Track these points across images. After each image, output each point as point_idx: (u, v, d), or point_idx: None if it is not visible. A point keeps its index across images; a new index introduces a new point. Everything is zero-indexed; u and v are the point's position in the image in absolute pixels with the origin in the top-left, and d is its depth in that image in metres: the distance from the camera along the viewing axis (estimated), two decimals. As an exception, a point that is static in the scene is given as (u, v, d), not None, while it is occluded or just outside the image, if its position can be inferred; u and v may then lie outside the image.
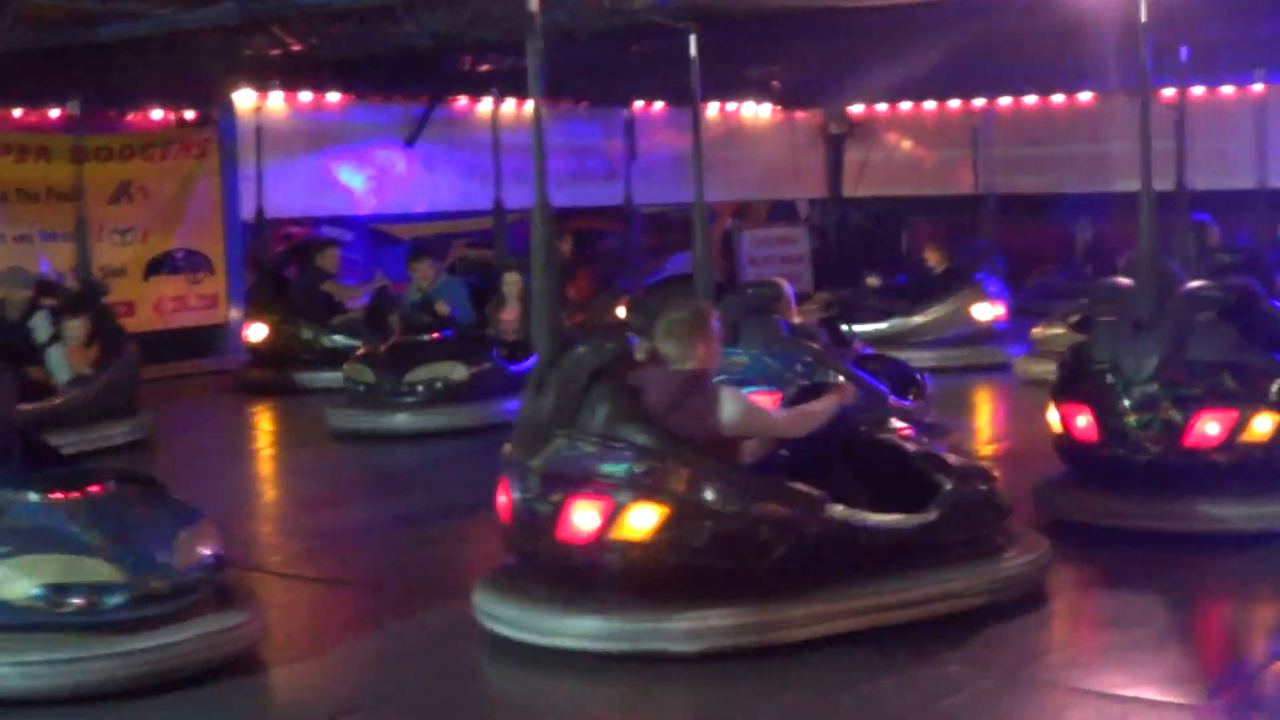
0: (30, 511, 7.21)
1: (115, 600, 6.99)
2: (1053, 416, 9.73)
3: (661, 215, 23.70)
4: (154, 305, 18.62)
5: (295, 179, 19.60)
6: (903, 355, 13.92)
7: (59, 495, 7.31)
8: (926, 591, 7.65)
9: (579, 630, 7.30)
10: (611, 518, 7.28)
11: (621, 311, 17.59)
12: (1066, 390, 9.70)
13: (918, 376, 12.28)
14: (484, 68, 17.84)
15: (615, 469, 7.35)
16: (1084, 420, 9.41)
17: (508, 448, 7.82)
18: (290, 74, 18.05)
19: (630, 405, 7.52)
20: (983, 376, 16.37)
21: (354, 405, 14.32)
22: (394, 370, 14.17)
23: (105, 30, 13.42)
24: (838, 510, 7.48)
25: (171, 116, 18.96)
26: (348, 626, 8.16)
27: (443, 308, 15.36)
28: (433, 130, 20.59)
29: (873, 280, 18.28)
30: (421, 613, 8.28)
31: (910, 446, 8.09)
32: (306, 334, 17.13)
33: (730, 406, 7.56)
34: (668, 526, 7.25)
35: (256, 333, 17.30)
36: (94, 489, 7.43)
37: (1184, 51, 12.85)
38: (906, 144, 25.19)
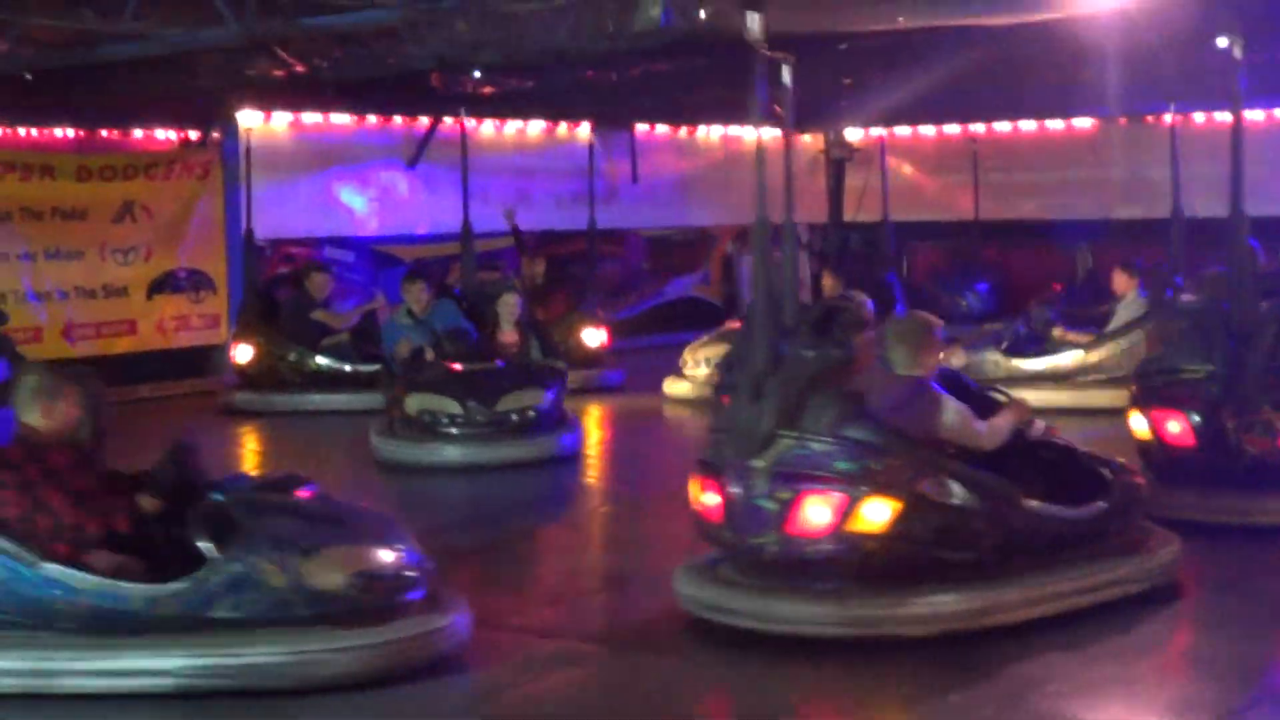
0: (295, 509, 7.78)
1: (410, 588, 7.56)
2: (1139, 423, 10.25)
3: (663, 238, 23.78)
4: (156, 324, 18.67)
5: (297, 199, 19.66)
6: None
7: (304, 495, 7.96)
8: (1100, 579, 8.30)
9: (814, 617, 7.80)
10: (846, 512, 7.80)
11: (589, 333, 17.94)
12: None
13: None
14: (486, 89, 17.90)
15: (849, 466, 7.85)
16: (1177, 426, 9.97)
17: (713, 450, 8.28)
18: (293, 95, 18.11)
19: (857, 407, 8.06)
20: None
21: (427, 437, 13.50)
22: (482, 399, 13.53)
23: (109, 51, 13.49)
24: (1032, 503, 8.17)
25: (175, 136, 19.04)
26: (533, 633, 8.41)
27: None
28: (434, 151, 20.64)
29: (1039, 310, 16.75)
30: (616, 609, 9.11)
31: (1073, 443, 8.88)
32: (291, 356, 17.05)
33: (951, 414, 8.28)
34: (900, 519, 7.81)
35: (242, 354, 17.26)
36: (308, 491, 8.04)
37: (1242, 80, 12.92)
38: (907, 169, 25.23)
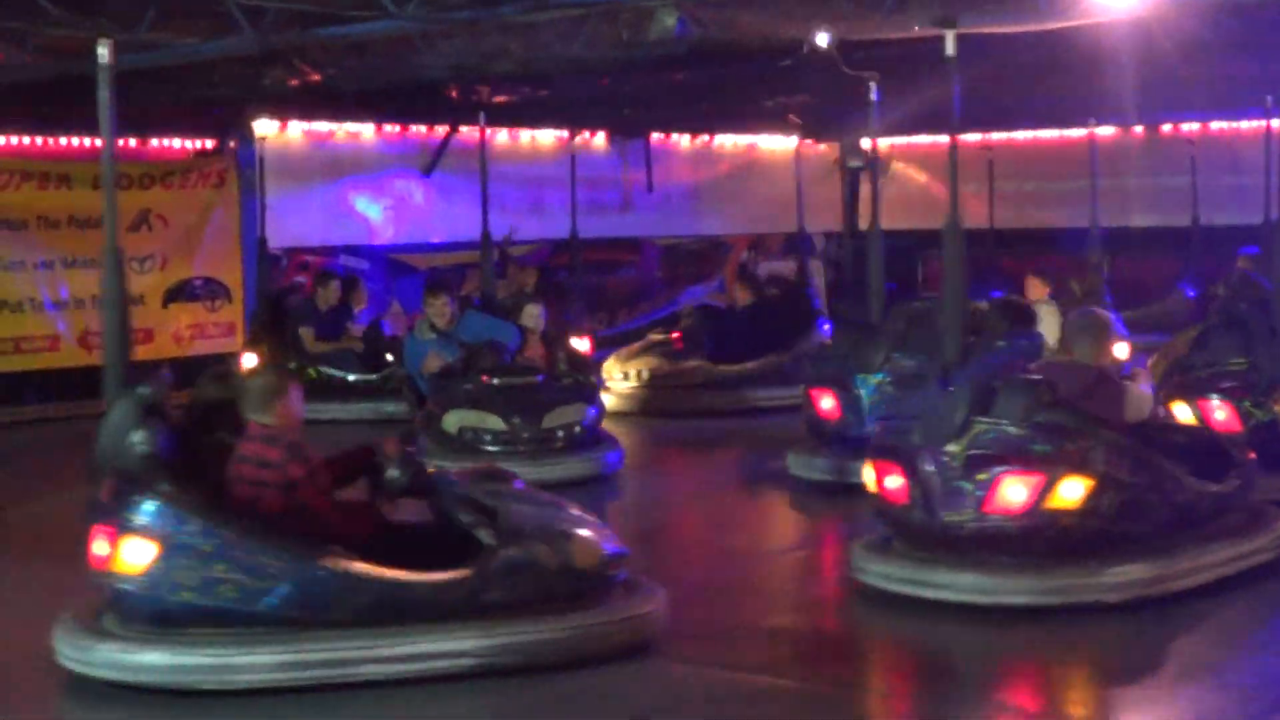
0: (527, 498, 8.25)
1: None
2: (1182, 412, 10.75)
3: (677, 247, 23.78)
4: (172, 333, 18.69)
5: (312, 208, 19.69)
6: None
7: (519, 486, 8.41)
8: (1243, 549, 9.07)
9: (1019, 588, 8.50)
10: (1044, 491, 8.50)
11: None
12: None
13: None
14: (501, 98, 17.92)
15: (1046, 448, 8.56)
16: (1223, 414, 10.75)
17: (897, 437, 9.07)
18: (308, 104, 18.14)
19: (1049, 395, 8.73)
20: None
21: (466, 455, 12.47)
22: (527, 415, 13.04)
23: (125, 60, 13.49)
24: (1191, 480, 8.95)
25: (191, 145, 19.07)
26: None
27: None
28: (450, 160, 20.66)
29: None
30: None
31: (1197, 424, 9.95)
32: (290, 365, 16.98)
33: (1136, 401, 9.07)
34: (1091, 496, 8.53)
35: (248, 362, 17.26)
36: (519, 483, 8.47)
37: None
38: (921, 177, 25.22)
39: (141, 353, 18.15)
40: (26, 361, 17.50)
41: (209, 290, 19.07)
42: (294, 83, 15.30)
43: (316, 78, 15.08)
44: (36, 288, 17.55)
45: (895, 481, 8.91)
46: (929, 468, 8.72)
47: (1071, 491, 8.52)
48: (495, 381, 13.15)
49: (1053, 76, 16.85)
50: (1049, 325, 14.53)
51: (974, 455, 8.64)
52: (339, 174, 20.07)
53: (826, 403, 12.71)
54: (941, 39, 12.48)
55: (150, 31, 12.37)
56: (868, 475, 9.19)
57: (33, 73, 14.03)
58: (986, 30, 12.93)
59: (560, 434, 12.97)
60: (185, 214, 18.77)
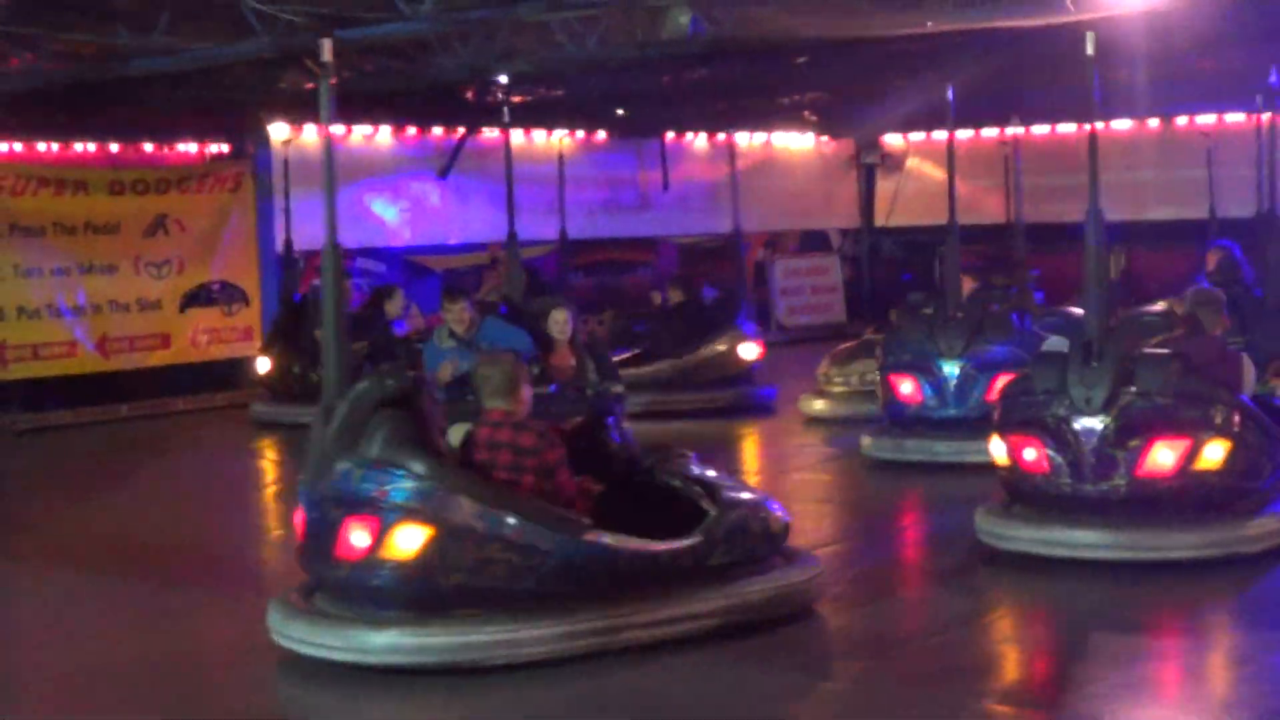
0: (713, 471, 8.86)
1: None
2: (997, 447, 9.98)
3: (694, 246, 23.77)
4: (189, 338, 18.70)
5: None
6: None
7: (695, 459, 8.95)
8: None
9: (1184, 543, 9.19)
10: (1190, 455, 9.24)
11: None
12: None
13: None
14: (517, 99, 17.93)
15: (1194, 414, 9.30)
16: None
17: (1035, 410, 9.61)
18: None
19: (1183, 366, 9.44)
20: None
21: None
22: None
23: (139, 65, 13.53)
24: None
25: (206, 150, 19.10)
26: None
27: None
28: (465, 162, 20.67)
29: None
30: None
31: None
32: (296, 369, 16.92)
33: (1250, 371, 9.85)
34: (1229, 456, 9.31)
35: (261, 366, 17.27)
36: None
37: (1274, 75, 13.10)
38: (939, 173, 25.18)
39: (158, 358, 18.22)
40: (45, 368, 17.52)
41: (226, 294, 19.07)
42: (309, 85, 15.32)
43: (332, 80, 15.07)
44: (53, 293, 17.58)
45: (1033, 453, 9.53)
46: (1077, 438, 9.40)
47: (1214, 453, 9.28)
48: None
49: (1070, 70, 16.81)
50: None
51: (1124, 424, 9.30)
52: (355, 177, 20.05)
53: (906, 387, 13.26)
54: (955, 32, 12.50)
55: (165, 36, 12.39)
56: (999, 449, 9.81)
57: (46, 79, 14.06)
58: (1004, 24, 12.94)
59: None
60: (202, 218, 18.77)
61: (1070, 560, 9.24)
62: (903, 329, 13.79)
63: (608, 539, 7.80)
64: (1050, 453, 9.44)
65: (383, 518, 7.59)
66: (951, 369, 13.13)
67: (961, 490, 11.07)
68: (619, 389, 12.79)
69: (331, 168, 8.66)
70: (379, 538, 7.58)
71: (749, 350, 16.78)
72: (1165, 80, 16.38)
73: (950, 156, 14.62)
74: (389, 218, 20.51)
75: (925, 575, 9.98)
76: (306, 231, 18.68)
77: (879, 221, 25.98)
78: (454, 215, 20.97)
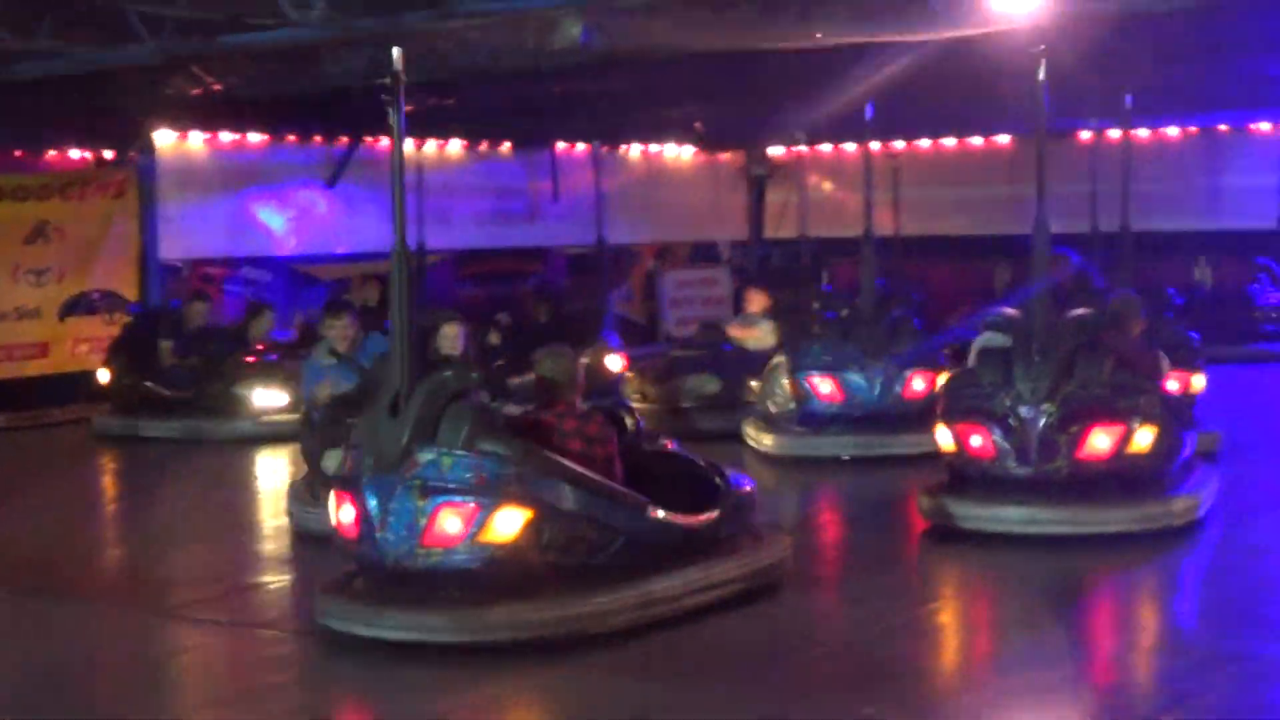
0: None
1: None
2: (944, 435, 10.85)
3: (584, 256, 23.74)
4: (69, 347, 18.43)
5: (215, 219, 19.52)
6: None
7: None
8: None
9: (1112, 519, 10.24)
10: (1125, 439, 10.25)
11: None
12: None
13: None
14: (406, 107, 17.79)
15: (1124, 403, 10.33)
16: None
17: (981, 401, 10.53)
18: (210, 114, 17.97)
19: (1113, 362, 10.51)
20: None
21: None
22: None
23: (22, 68, 13.35)
24: None
25: (90, 156, 18.86)
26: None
27: None
28: (354, 170, 20.54)
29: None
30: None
31: None
32: (127, 381, 16.74)
33: (1165, 364, 10.90)
34: (1158, 440, 10.34)
35: (102, 377, 17.05)
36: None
37: (1129, 99, 13.38)
38: (827, 185, 25.32)
39: (36, 367, 17.96)
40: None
41: (107, 303, 18.80)
42: (195, 92, 15.17)
43: (218, 87, 14.95)
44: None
45: (979, 440, 10.45)
46: (1022, 426, 10.34)
47: (1144, 438, 10.31)
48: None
49: (957, 85, 16.94)
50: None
51: (1066, 413, 10.27)
52: (242, 184, 19.90)
53: (826, 387, 13.83)
54: (844, 48, 12.58)
55: (48, 40, 12.23)
56: (945, 437, 10.72)
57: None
58: (882, 39, 13.01)
59: None
60: (84, 226, 18.51)
61: (1021, 536, 10.18)
62: (819, 334, 14.29)
63: (662, 515, 8.54)
64: (996, 439, 10.38)
65: (482, 503, 8.01)
66: (873, 369, 13.87)
67: (880, 480, 12.40)
68: (515, 409, 11.08)
69: (401, 174, 8.99)
70: (478, 522, 8.01)
71: (614, 362, 16.84)
72: (1054, 96, 16.50)
73: (867, 168, 15.12)
74: (276, 226, 20.34)
75: (874, 556, 10.43)
76: (190, 239, 18.52)
77: (769, 233, 26.07)
78: (342, 224, 20.82)
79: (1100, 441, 10.27)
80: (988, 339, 11.43)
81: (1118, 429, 10.27)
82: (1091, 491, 10.25)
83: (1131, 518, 10.22)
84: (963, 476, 10.66)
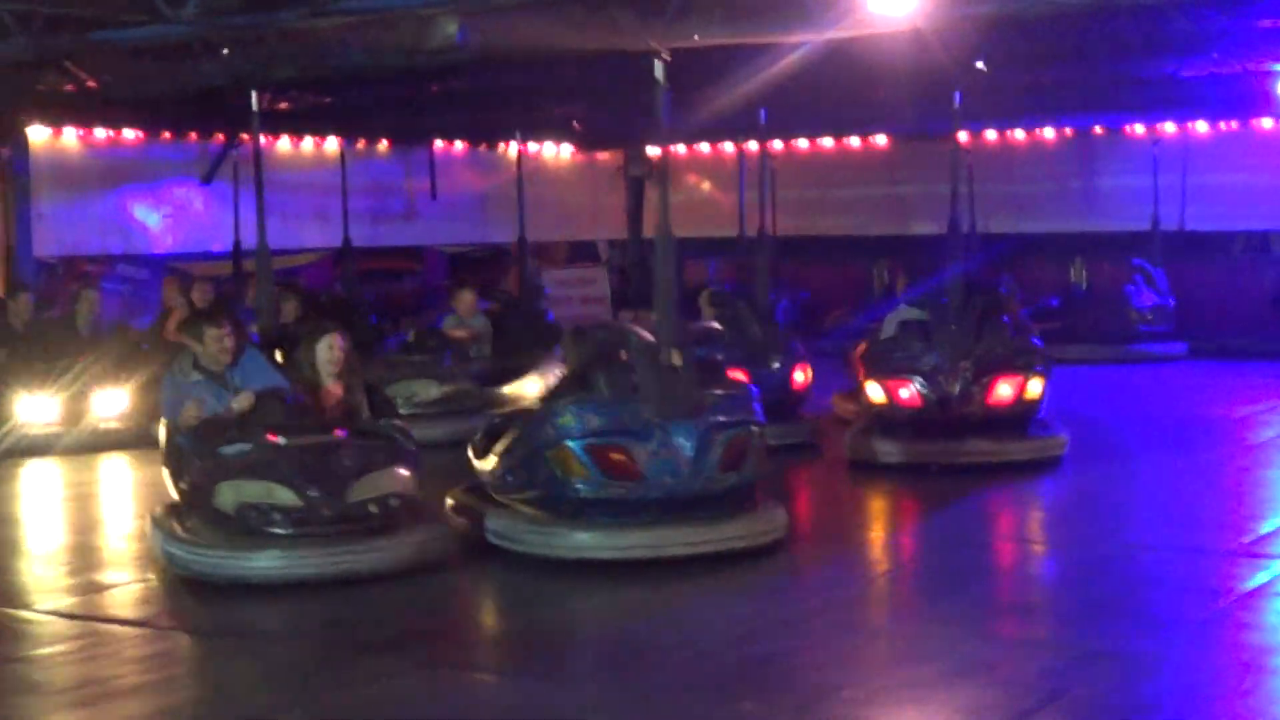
0: None
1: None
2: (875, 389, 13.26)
3: (463, 255, 23.74)
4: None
5: (90, 216, 19.35)
6: None
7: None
8: None
9: (1022, 449, 12.98)
10: (1022, 388, 12.98)
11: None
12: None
13: None
14: (282, 105, 17.73)
15: (1022, 360, 13.04)
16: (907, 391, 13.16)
17: (911, 359, 13.01)
18: (85, 110, 17.81)
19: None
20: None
21: (244, 542, 9.80)
22: (327, 486, 9.71)
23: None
24: None
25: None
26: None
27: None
28: (231, 168, 20.40)
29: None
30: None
31: None
32: None
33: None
34: (1043, 391, 13.08)
35: None
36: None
37: (957, 96, 13.60)
38: (705, 185, 25.45)
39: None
40: None
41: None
42: (69, 88, 15.02)
43: (92, 84, 14.81)
44: None
45: (907, 392, 12.95)
46: (946, 381, 12.87)
47: (1035, 388, 13.03)
48: (282, 441, 9.76)
49: (835, 85, 17.06)
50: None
51: (978, 369, 12.83)
52: (117, 181, 19.73)
53: (905, 392, 13.89)
54: (722, 47, 12.63)
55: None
56: (875, 391, 13.13)
57: None
58: (761, 40, 13.08)
59: (372, 508, 9.64)
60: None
61: (948, 466, 12.70)
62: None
63: None
64: (923, 391, 12.89)
65: (750, 436, 9.94)
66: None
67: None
68: (404, 427, 10.44)
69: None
70: (748, 450, 9.89)
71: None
72: (924, 96, 16.68)
73: (764, 167, 15.62)
74: (151, 223, 20.18)
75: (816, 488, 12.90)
76: (65, 236, 18.34)
77: (647, 233, 26.14)
78: (218, 222, 20.68)
79: (1004, 390, 12.90)
80: (905, 313, 13.90)
81: (1018, 380, 12.93)
82: (996, 430, 12.87)
83: (1028, 449, 12.97)
84: (892, 422, 13.07)
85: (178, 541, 9.61)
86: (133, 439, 14.38)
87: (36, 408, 14.61)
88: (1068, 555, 10.27)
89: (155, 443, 10.74)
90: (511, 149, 23.84)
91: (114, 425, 14.72)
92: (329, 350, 10.43)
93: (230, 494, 9.51)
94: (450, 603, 9.40)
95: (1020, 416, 13.03)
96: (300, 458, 9.62)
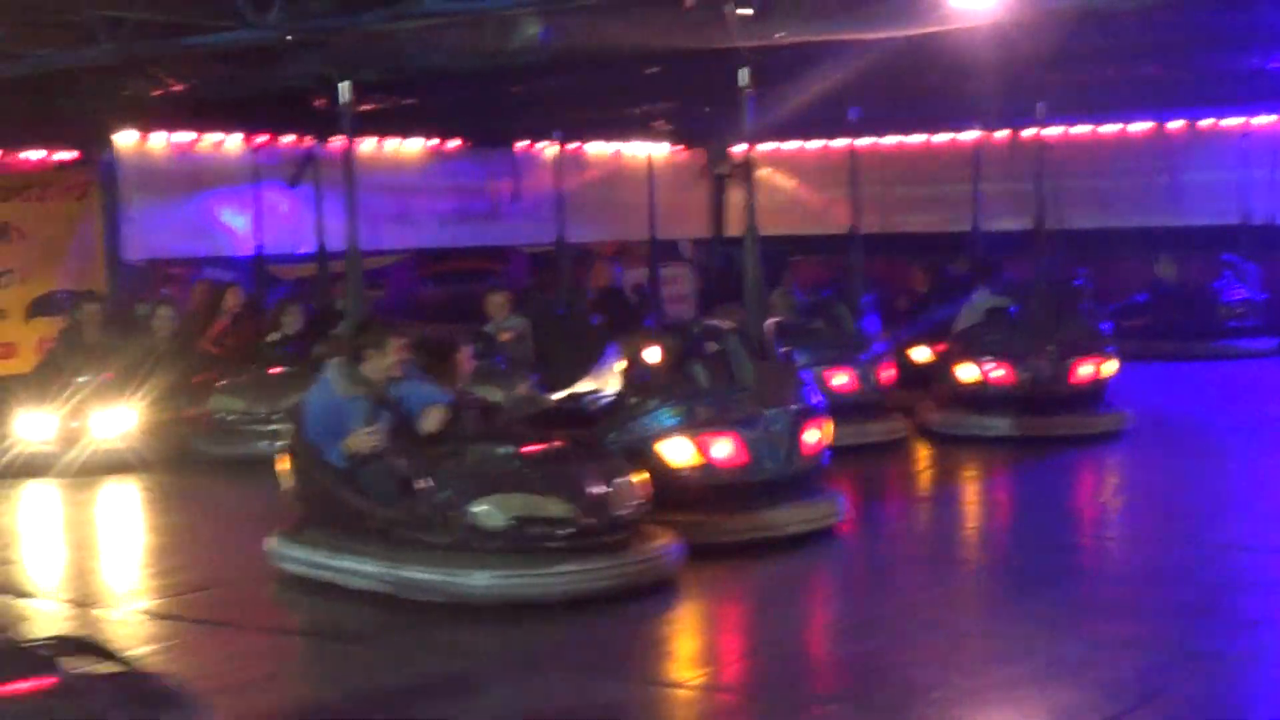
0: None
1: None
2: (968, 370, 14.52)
3: (545, 255, 23.75)
4: (36, 346, 18.38)
5: (177, 220, 19.49)
6: None
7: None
8: None
9: (1004, 426, 14.16)
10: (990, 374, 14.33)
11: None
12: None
13: None
14: (364, 107, 17.79)
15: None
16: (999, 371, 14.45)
17: None
18: (172, 114, 17.95)
19: None
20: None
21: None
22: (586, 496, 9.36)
23: (-19, 71, 13.32)
24: None
25: (51, 157, 18.81)
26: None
27: None
28: (315, 170, 20.51)
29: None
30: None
31: None
32: None
33: None
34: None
35: None
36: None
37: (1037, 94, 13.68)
38: (790, 184, 25.37)
39: (5, 367, 17.92)
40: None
41: (74, 302, 18.74)
42: (156, 93, 15.14)
43: (179, 88, 14.93)
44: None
45: (1001, 372, 14.35)
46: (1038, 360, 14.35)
47: (1109, 368, 14.53)
48: (538, 452, 9.38)
49: (920, 81, 16.99)
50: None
51: (1061, 351, 14.33)
52: (204, 185, 19.87)
53: (998, 372, 14.80)
54: (806, 44, 12.60)
55: (7, 42, 12.21)
56: (970, 370, 14.52)
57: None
58: (849, 36, 13.04)
59: (630, 517, 9.37)
60: (47, 226, 18.47)
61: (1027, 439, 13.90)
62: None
63: None
64: (1015, 370, 14.24)
65: (823, 423, 10.77)
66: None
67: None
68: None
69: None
70: (821, 434, 10.74)
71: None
72: (1013, 92, 16.59)
73: (854, 165, 15.33)
74: (238, 226, 20.31)
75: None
76: (156, 240, 18.49)
77: (730, 231, 26.09)
78: (305, 224, 20.78)
79: (1085, 370, 14.26)
80: (989, 300, 15.27)
81: (1096, 361, 14.29)
82: (1075, 406, 14.22)
83: (1103, 422, 14.22)
84: (981, 398, 14.33)
85: (366, 558, 9.22)
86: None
87: (110, 421, 14.54)
88: (1161, 553, 10.17)
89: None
90: (593, 149, 23.91)
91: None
92: (466, 361, 10.15)
93: (498, 510, 8.96)
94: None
95: (1095, 394, 14.43)
96: (565, 469, 9.22)
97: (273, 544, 9.83)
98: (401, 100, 17.61)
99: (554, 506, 8.95)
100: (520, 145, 23.13)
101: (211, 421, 14.98)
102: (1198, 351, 20.03)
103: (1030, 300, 14.75)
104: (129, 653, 8.18)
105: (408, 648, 8.26)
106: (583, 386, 13.65)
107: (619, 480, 9.18)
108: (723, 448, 10.19)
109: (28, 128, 17.95)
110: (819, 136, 24.12)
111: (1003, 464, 13.54)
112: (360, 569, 9.22)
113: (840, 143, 23.83)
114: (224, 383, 15.24)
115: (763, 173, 25.38)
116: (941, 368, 15.28)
